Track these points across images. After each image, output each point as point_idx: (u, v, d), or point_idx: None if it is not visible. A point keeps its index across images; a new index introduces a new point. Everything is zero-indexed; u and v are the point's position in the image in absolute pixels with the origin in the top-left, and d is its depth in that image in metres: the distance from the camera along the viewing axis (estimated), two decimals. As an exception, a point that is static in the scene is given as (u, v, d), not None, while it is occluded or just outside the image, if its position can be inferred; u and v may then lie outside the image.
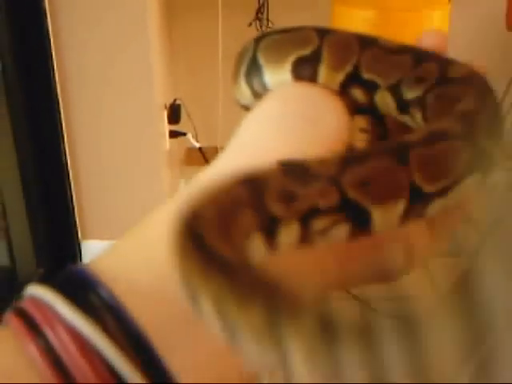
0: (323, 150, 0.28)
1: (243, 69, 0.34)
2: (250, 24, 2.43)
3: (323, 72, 0.32)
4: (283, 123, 0.29)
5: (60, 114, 1.93)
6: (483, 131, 0.27)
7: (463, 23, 2.46)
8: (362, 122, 0.32)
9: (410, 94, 0.32)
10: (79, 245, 2.20)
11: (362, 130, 0.32)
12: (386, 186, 0.25)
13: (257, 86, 0.33)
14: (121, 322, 0.23)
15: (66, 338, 0.22)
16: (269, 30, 0.35)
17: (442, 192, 0.26)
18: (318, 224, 0.24)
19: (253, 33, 2.44)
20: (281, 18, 2.46)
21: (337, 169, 0.24)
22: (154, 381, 0.22)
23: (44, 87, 1.85)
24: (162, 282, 0.23)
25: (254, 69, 0.33)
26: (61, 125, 1.97)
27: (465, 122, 0.27)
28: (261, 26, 2.44)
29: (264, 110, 0.30)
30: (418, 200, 0.25)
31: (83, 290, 0.24)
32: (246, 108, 0.34)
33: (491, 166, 0.27)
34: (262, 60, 0.33)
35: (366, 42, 0.34)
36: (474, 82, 0.31)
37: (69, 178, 2.08)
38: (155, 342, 0.22)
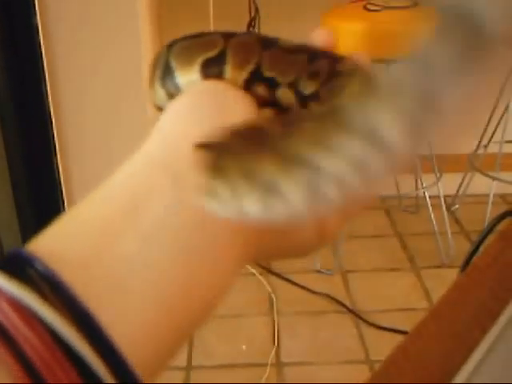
0: None
1: (158, 73, 0.38)
2: (242, 37, 2.44)
3: (229, 71, 0.35)
4: (197, 113, 0.33)
5: (50, 115, 1.92)
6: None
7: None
8: (268, 112, 0.36)
9: (307, 89, 0.35)
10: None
11: (270, 116, 0.36)
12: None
13: (171, 88, 0.37)
14: (55, 287, 0.25)
15: (6, 307, 0.24)
16: (182, 36, 0.38)
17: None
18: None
19: (244, 46, 2.46)
20: (272, 31, 2.46)
21: None
22: (90, 336, 0.25)
23: (32, 86, 1.85)
24: (93, 251, 0.27)
25: (167, 72, 0.37)
26: (51, 124, 1.95)
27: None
28: (252, 40, 2.45)
29: (179, 104, 0.34)
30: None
31: (20, 265, 0.26)
32: (161, 109, 0.37)
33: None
34: (174, 64, 0.37)
35: (266, 43, 0.37)
36: (358, 72, 0.35)
37: (59, 176, 2.06)
38: (88, 302, 0.25)
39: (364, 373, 1.78)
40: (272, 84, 0.36)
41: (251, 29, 2.44)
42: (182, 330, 0.29)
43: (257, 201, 0.23)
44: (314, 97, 0.35)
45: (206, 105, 0.34)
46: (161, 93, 0.38)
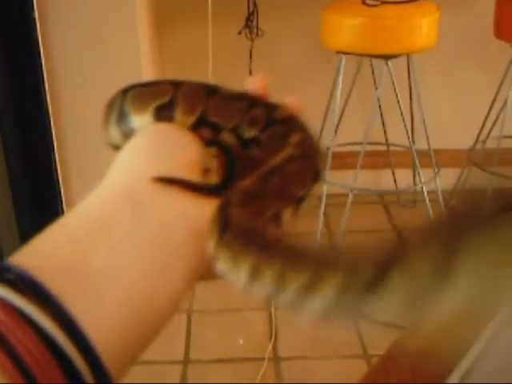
0: (183, 169, 0.37)
1: (113, 117, 0.42)
2: (240, 32, 2.44)
3: (178, 116, 0.40)
4: (151, 151, 0.38)
5: (49, 115, 1.92)
6: (313, 151, 0.39)
7: (452, 30, 2.48)
8: (213, 151, 0.41)
9: (248, 134, 0.40)
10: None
11: (214, 157, 0.40)
12: None
13: (126, 129, 0.41)
14: (30, 284, 0.29)
15: None
16: (135, 83, 0.43)
17: None
18: None
19: (243, 41, 2.45)
20: (270, 25, 2.47)
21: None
22: (61, 323, 0.28)
23: (31, 84, 1.85)
24: (68, 264, 0.31)
25: (122, 116, 0.42)
26: (48, 118, 1.95)
27: (300, 148, 0.39)
28: (251, 34, 2.44)
29: (136, 143, 0.39)
30: None
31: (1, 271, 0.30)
32: (117, 148, 0.41)
33: (322, 177, 0.39)
34: (129, 108, 0.41)
35: (210, 92, 0.42)
36: (293, 121, 0.41)
37: (58, 177, 2.06)
38: (59, 293, 0.29)
39: (362, 367, 1.78)
40: (216, 128, 0.41)
41: (249, 23, 2.43)
42: (146, 331, 0.33)
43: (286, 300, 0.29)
44: (255, 141, 0.40)
45: (159, 144, 0.39)
46: (116, 134, 0.42)
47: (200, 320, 2.01)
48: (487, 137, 2.52)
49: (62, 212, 2.11)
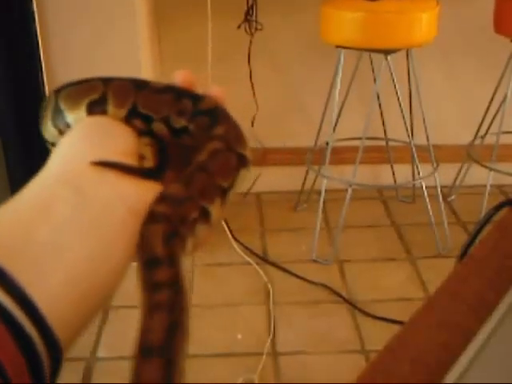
0: (119, 156, 0.40)
1: (49, 114, 0.45)
2: (239, 26, 2.43)
3: (110, 110, 0.43)
4: (87, 140, 0.41)
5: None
6: (237, 141, 0.43)
7: (451, 25, 2.47)
8: (146, 140, 0.44)
9: (177, 123, 0.43)
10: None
11: (148, 145, 0.43)
12: None
13: (61, 125, 0.44)
14: None
15: None
16: (67, 82, 0.46)
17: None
18: None
19: (242, 35, 2.44)
20: (270, 19, 2.47)
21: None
22: (11, 294, 0.31)
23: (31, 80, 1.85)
24: (15, 241, 0.34)
25: (57, 113, 0.44)
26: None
27: (224, 140, 0.42)
28: (250, 28, 2.44)
29: (73, 135, 0.42)
30: None
31: None
32: (53, 144, 0.45)
33: (249, 164, 0.42)
34: (62, 106, 0.44)
35: (139, 85, 0.45)
36: (217, 112, 0.43)
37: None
38: (7, 268, 0.32)
39: (359, 363, 1.79)
40: (147, 119, 0.43)
41: (249, 17, 2.42)
42: (90, 302, 0.35)
43: None
44: (185, 131, 0.43)
45: (95, 133, 0.42)
46: (53, 131, 0.45)
47: (198, 315, 2.01)
48: (486, 132, 2.52)
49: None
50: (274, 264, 2.23)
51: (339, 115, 2.43)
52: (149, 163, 0.42)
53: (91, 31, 1.86)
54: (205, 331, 1.94)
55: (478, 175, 2.54)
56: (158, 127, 0.44)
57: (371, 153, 2.58)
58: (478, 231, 0.67)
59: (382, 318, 1.95)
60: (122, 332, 1.94)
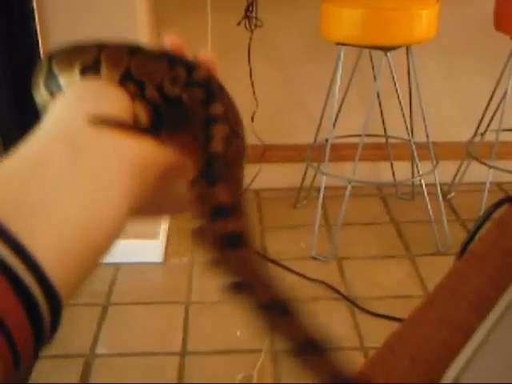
0: (115, 114, 0.40)
1: (42, 78, 0.45)
2: (239, 23, 2.43)
3: (103, 73, 0.43)
4: (81, 101, 0.41)
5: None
6: (239, 124, 0.43)
7: (451, 22, 2.47)
8: (140, 105, 0.43)
9: (171, 92, 0.43)
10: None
11: (142, 107, 0.43)
12: None
13: (54, 88, 0.45)
14: None
15: None
16: (60, 47, 0.46)
17: None
18: None
19: (242, 32, 2.44)
20: (270, 16, 2.46)
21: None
22: (8, 245, 0.31)
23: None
24: (11, 196, 0.34)
25: (50, 77, 0.45)
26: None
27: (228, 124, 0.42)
28: (250, 25, 2.43)
29: (67, 95, 0.42)
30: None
31: None
32: (45, 108, 0.44)
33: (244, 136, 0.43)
34: (56, 70, 0.44)
35: (133, 51, 0.45)
36: (212, 85, 0.44)
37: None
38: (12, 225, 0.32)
39: (358, 360, 1.79)
40: (141, 85, 0.43)
41: (249, 14, 2.42)
42: (90, 254, 0.35)
43: None
44: (178, 99, 0.43)
45: (89, 95, 0.42)
46: (44, 94, 0.45)
47: (198, 312, 2.01)
48: (486, 129, 2.52)
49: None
50: (273, 261, 2.23)
51: (339, 112, 2.43)
52: (143, 123, 0.42)
53: (91, 31, 1.86)
54: (204, 328, 1.94)
55: (477, 172, 2.54)
56: (151, 93, 0.44)
57: (371, 150, 2.58)
58: (478, 228, 0.67)
59: (381, 315, 1.95)
60: (121, 329, 1.94)
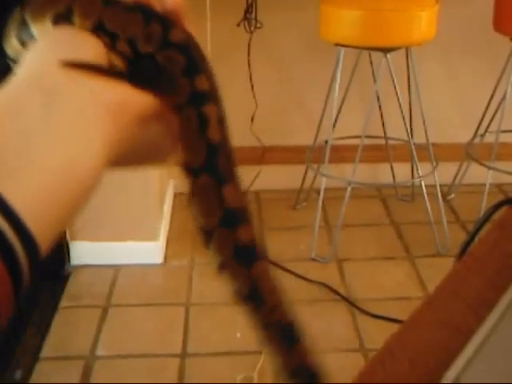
0: (90, 59, 0.39)
1: (14, 29, 0.44)
2: (239, 24, 2.43)
3: (76, 23, 0.42)
4: (55, 48, 0.40)
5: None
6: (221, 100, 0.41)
7: (451, 24, 2.47)
8: (114, 56, 0.42)
9: (143, 49, 0.41)
10: (68, 245, 2.19)
11: (116, 55, 0.42)
12: None
13: (26, 39, 0.43)
14: None
15: None
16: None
17: None
18: None
19: (241, 33, 2.44)
20: (269, 17, 2.47)
21: None
22: None
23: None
24: None
25: (22, 27, 0.44)
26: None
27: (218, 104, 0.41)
28: (249, 26, 2.44)
29: (39, 44, 0.41)
30: None
31: None
32: (15, 60, 0.44)
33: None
34: (28, 19, 0.43)
35: (107, 1, 0.43)
36: (194, 53, 0.41)
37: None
38: None
39: (358, 361, 1.79)
40: (113, 37, 0.41)
41: (248, 15, 2.42)
42: (69, 201, 0.35)
43: None
44: (150, 58, 0.41)
45: (63, 42, 0.40)
46: (15, 44, 0.44)
47: (198, 313, 2.01)
48: (486, 131, 2.52)
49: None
50: (272, 262, 2.23)
51: (338, 113, 2.43)
52: (120, 68, 0.41)
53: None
54: (204, 330, 1.94)
55: (477, 174, 2.54)
56: (123, 47, 0.42)
57: (370, 151, 2.58)
58: (478, 230, 0.67)
59: (381, 316, 1.95)
60: (122, 330, 1.94)
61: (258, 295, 0.41)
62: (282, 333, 0.42)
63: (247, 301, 0.42)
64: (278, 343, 0.42)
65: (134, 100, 0.38)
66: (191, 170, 0.40)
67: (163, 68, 0.41)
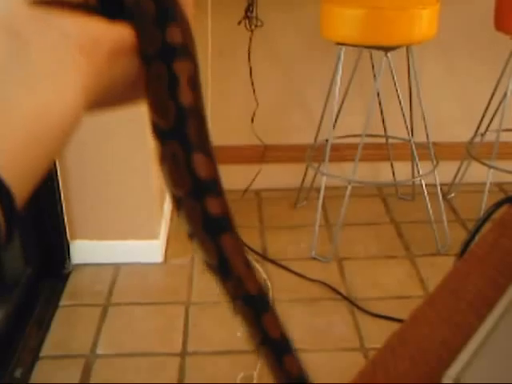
0: None
1: None
2: (240, 23, 2.43)
3: None
4: None
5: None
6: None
7: (452, 22, 2.47)
8: None
9: None
10: (68, 244, 2.19)
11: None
12: None
13: None
14: None
15: None
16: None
17: None
18: None
19: (242, 31, 2.44)
20: (270, 16, 2.46)
21: None
22: None
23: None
24: None
25: None
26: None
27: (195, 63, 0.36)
28: (250, 25, 2.43)
29: None
30: None
31: None
32: None
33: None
34: None
35: None
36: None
37: (57, 177, 2.07)
38: None
39: (358, 360, 1.79)
40: None
41: (249, 14, 2.42)
42: (43, 146, 0.33)
43: None
44: (118, 3, 0.36)
45: None
46: None
47: (198, 312, 2.01)
48: (486, 130, 2.52)
49: (61, 206, 2.10)
50: (273, 261, 2.23)
51: (339, 112, 2.43)
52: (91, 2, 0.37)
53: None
54: (204, 328, 1.94)
55: (477, 173, 2.54)
56: None
57: (371, 150, 2.58)
58: (478, 229, 0.66)
59: (381, 315, 1.95)
60: (122, 329, 1.94)
61: (226, 267, 0.39)
62: (249, 304, 0.41)
63: (215, 271, 0.40)
64: (246, 314, 0.41)
65: (108, 35, 0.35)
66: (159, 133, 0.36)
67: (131, 14, 0.36)
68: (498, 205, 0.67)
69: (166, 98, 0.36)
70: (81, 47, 0.34)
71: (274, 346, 0.43)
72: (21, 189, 0.31)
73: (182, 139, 0.36)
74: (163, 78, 0.36)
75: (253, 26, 2.43)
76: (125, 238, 2.20)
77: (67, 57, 0.34)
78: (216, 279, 0.41)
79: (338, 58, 2.22)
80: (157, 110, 0.36)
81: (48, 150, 0.33)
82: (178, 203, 0.38)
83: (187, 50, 0.36)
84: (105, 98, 0.38)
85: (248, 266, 0.40)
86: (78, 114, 0.34)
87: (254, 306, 0.41)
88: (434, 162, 2.32)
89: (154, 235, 2.23)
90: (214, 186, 0.37)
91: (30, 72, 0.32)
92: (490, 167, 2.38)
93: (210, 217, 0.37)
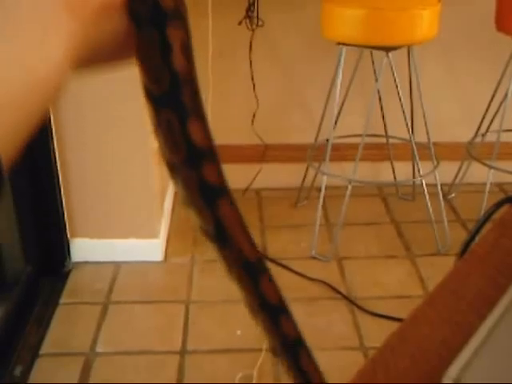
0: None
1: None
2: (240, 23, 2.43)
3: None
4: None
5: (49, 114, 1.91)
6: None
7: (453, 23, 2.47)
8: None
9: None
10: (68, 242, 2.19)
11: None
12: None
13: None
14: None
15: None
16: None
17: None
18: None
19: (243, 31, 2.44)
20: (271, 16, 2.46)
21: None
22: None
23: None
24: None
25: None
26: (50, 123, 1.96)
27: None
28: (251, 25, 2.43)
29: None
30: None
31: None
32: None
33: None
34: None
35: None
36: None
37: (58, 176, 2.07)
38: None
39: (358, 359, 1.79)
40: None
41: (250, 14, 2.42)
42: (28, 109, 0.32)
43: None
44: None
45: None
46: None
47: (198, 311, 2.01)
48: (487, 130, 2.52)
49: (61, 204, 2.10)
50: (273, 260, 2.23)
51: (340, 112, 2.43)
52: None
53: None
54: (204, 327, 1.94)
55: (478, 173, 2.54)
56: None
57: (371, 150, 2.58)
58: (478, 229, 0.67)
59: (381, 315, 1.95)
60: (122, 327, 1.94)
61: (223, 235, 0.38)
62: (247, 270, 0.40)
63: (212, 239, 0.40)
64: (244, 280, 0.40)
65: None
66: (153, 99, 0.36)
67: None
68: (499, 205, 0.67)
69: (160, 64, 0.35)
70: (67, 3, 0.33)
71: (272, 310, 0.42)
72: (4, 151, 0.30)
73: (177, 106, 0.35)
74: (156, 44, 0.34)
75: (254, 26, 2.43)
76: (125, 236, 2.20)
77: (52, 16, 0.32)
78: (213, 247, 0.40)
79: (339, 57, 2.22)
80: (150, 75, 0.35)
81: (33, 113, 0.32)
82: (173, 171, 0.37)
83: (179, 14, 0.35)
84: (92, 58, 0.37)
85: (245, 232, 0.39)
86: (64, 74, 0.33)
87: (251, 273, 0.41)
88: (435, 162, 2.32)
89: (154, 234, 2.23)
90: (209, 153, 0.37)
91: (12, 34, 0.31)
92: (491, 167, 2.38)
93: (207, 184, 0.37)
